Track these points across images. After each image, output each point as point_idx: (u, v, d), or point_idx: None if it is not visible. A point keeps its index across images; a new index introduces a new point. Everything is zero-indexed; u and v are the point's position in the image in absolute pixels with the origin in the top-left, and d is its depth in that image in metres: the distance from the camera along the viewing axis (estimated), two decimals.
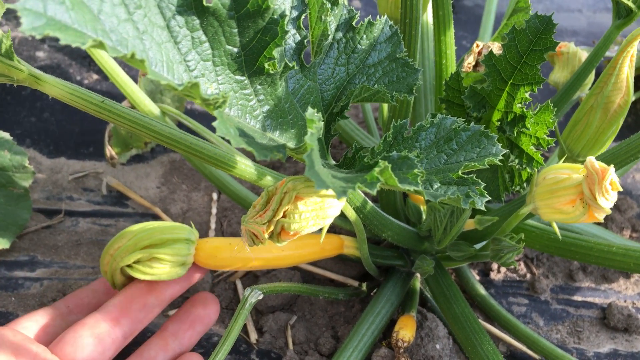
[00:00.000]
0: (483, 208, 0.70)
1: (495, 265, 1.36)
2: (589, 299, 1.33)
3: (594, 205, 0.84)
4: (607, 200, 0.83)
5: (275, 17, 0.65)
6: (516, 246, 1.00)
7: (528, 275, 1.35)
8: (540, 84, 0.87)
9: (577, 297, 1.33)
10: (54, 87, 0.73)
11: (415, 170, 0.64)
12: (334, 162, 0.82)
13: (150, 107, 1.18)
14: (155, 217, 1.40)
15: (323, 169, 0.60)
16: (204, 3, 0.62)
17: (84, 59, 1.64)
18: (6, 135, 1.30)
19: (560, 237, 0.97)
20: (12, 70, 0.69)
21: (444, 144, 0.77)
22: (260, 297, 1.03)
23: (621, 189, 0.84)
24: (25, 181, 1.30)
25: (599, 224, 1.43)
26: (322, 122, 0.64)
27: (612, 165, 0.82)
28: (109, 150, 1.42)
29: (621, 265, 1.02)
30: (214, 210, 1.41)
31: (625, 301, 1.33)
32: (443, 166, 0.75)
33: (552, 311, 1.31)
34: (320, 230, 0.84)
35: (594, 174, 0.83)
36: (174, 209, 1.41)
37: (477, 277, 1.35)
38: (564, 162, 1.10)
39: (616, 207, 1.47)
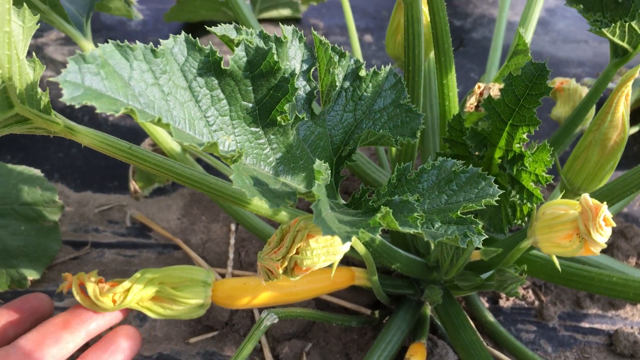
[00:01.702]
0: (480, 246, 0.76)
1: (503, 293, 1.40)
2: (596, 326, 1.36)
3: (589, 240, 0.89)
4: (601, 236, 0.88)
5: (286, 75, 0.71)
6: (519, 277, 1.04)
7: (536, 303, 1.39)
8: (536, 125, 0.93)
9: (585, 324, 1.37)
10: (86, 136, 0.80)
11: (415, 214, 0.70)
12: (343, 202, 0.89)
13: (172, 144, 1.25)
14: (177, 248, 1.47)
15: (330, 214, 0.66)
16: (222, 66, 0.69)
17: None
18: (37, 171, 1.38)
19: (560, 269, 1.02)
20: (50, 124, 0.76)
21: (444, 185, 0.82)
22: (276, 320, 1.08)
23: (615, 225, 0.89)
24: (54, 215, 1.37)
25: (604, 251, 1.47)
26: (330, 171, 0.70)
27: (605, 203, 0.87)
28: (133, 185, 1.50)
29: (621, 295, 1.06)
30: (232, 241, 1.47)
31: (632, 327, 1.36)
32: (444, 206, 0.81)
33: (560, 338, 1.34)
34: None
35: (588, 211, 0.88)
36: (194, 239, 1.48)
37: (487, 305, 1.39)
38: (564, 195, 1.15)
39: (622, 235, 1.51)
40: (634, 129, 1.59)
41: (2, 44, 0.70)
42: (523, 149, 0.96)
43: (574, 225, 0.91)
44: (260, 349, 1.30)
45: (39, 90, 0.81)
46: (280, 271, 0.88)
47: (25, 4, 1.10)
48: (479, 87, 1.06)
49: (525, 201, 1.01)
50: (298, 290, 1.20)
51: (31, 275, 1.34)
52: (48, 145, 1.63)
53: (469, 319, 1.33)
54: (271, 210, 0.88)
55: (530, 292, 1.41)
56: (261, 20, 1.91)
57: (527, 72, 0.90)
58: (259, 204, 0.85)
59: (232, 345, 1.31)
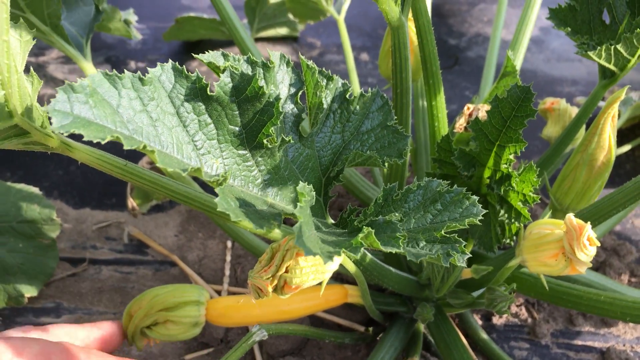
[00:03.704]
0: (465, 265, 0.77)
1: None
2: (589, 343, 1.37)
3: (574, 259, 0.90)
4: (586, 255, 0.89)
5: (271, 100, 0.73)
6: (508, 296, 1.06)
7: (529, 320, 1.40)
8: (523, 146, 0.94)
9: (577, 342, 1.37)
10: (82, 153, 0.82)
11: (398, 234, 0.71)
12: (332, 222, 0.90)
13: None
14: (173, 265, 1.48)
15: (313, 235, 0.68)
16: (208, 92, 0.71)
17: None
18: (35, 189, 1.40)
19: (547, 288, 1.03)
20: (47, 139, 0.78)
21: (430, 205, 0.84)
22: (265, 337, 1.08)
23: (599, 244, 0.90)
24: (52, 232, 1.39)
25: (597, 269, 1.48)
26: (314, 192, 0.72)
27: (589, 223, 0.89)
28: (131, 202, 1.52)
29: (609, 314, 1.07)
30: (228, 258, 1.49)
31: (624, 345, 1.36)
32: (429, 225, 0.82)
33: (552, 355, 1.35)
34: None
35: (572, 231, 0.89)
36: (191, 256, 1.49)
37: (480, 322, 1.40)
38: (554, 214, 1.16)
39: (615, 253, 1.51)
40: (627, 147, 1.61)
41: (0, 52, 0.72)
42: (510, 170, 0.97)
43: (559, 245, 0.92)
44: None
45: (37, 105, 0.83)
46: (270, 289, 0.89)
47: (25, 23, 1.13)
48: (468, 108, 1.08)
49: (513, 220, 1.02)
50: (291, 309, 1.21)
51: (28, 292, 1.35)
52: (47, 162, 1.65)
53: (462, 336, 1.33)
54: (264, 229, 0.90)
55: (524, 309, 1.42)
56: (259, 39, 1.94)
57: (513, 94, 0.92)
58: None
59: None
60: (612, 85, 1.19)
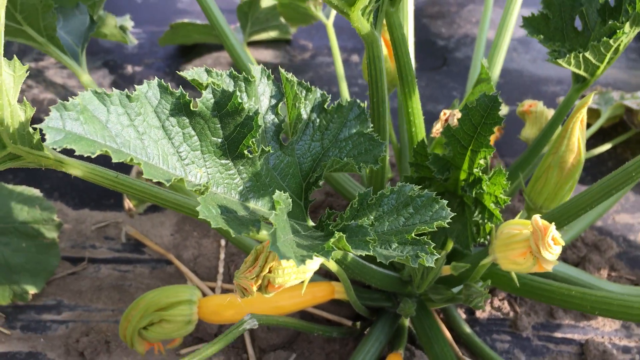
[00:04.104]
0: (433, 265, 0.83)
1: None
2: (568, 336, 1.43)
3: (540, 257, 0.95)
4: (551, 254, 0.95)
5: (251, 114, 0.79)
6: (483, 292, 1.11)
7: (511, 314, 1.46)
8: (491, 152, 1.00)
9: (557, 334, 1.43)
10: (75, 168, 0.88)
11: (368, 238, 0.77)
12: (312, 224, 0.96)
13: None
14: (169, 263, 1.55)
15: (289, 239, 0.74)
16: (192, 107, 0.77)
17: None
18: (36, 191, 1.46)
19: (517, 284, 1.08)
20: (41, 159, 0.84)
21: (402, 209, 0.89)
22: (255, 326, 1.14)
23: (564, 244, 0.96)
24: (53, 232, 1.45)
25: (577, 264, 1.53)
26: (290, 200, 0.77)
27: (553, 224, 0.94)
28: (127, 203, 1.58)
29: (580, 307, 1.13)
30: (222, 256, 1.55)
31: (602, 337, 1.42)
32: (402, 227, 0.88)
33: (533, 347, 1.41)
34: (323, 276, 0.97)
35: (538, 231, 0.95)
36: (186, 254, 1.55)
37: (464, 316, 1.46)
38: (528, 213, 1.22)
39: (596, 248, 1.57)
40: (608, 145, 1.66)
41: None
42: (481, 173, 1.03)
43: (527, 244, 0.97)
44: (247, 359, 1.37)
45: (30, 129, 0.88)
46: (255, 289, 0.95)
47: (22, 39, 1.19)
48: (445, 114, 1.13)
49: (486, 220, 1.08)
50: (281, 305, 1.28)
51: (32, 289, 1.42)
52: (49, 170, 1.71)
53: (446, 329, 1.40)
54: (242, 235, 0.95)
55: (506, 303, 1.47)
56: (252, 43, 1.99)
57: (482, 103, 0.97)
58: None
59: (220, 355, 1.38)
60: (584, 89, 1.24)
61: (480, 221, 1.08)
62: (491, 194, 1.06)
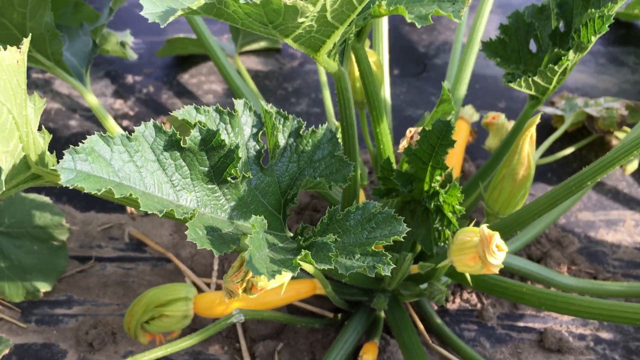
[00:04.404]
0: (388, 274, 0.97)
1: (450, 297, 1.62)
2: (530, 324, 1.58)
3: (486, 262, 1.10)
4: (495, 259, 1.09)
5: (232, 147, 0.93)
6: (443, 290, 1.26)
7: (479, 305, 1.61)
8: (446, 170, 1.14)
9: (520, 323, 1.58)
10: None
11: (330, 254, 0.92)
12: (290, 235, 1.11)
13: None
14: (169, 261, 1.70)
15: (263, 255, 0.88)
16: (181, 144, 0.91)
17: None
18: (47, 199, 1.61)
19: (470, 282, 1.23)
20: (57, 178, 0.97)
21: (366, 223, 1.04)
22: (242, 320, 1.29)
23: (507, 250, 1.10)
24: (62, 235, 1.61)
25: (539, 259, 1.68)
26: (265, 222, 0.92)
27: (497, 233, 1.09)
28: (129, 207, 1.73)
29: (529, 302, 1.28)
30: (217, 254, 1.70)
31: (560, 326, 1.57)
32: (365, 240, 1.03)
33: (497, 335, 1.56)
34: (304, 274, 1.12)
35: (484, 239, 1.09)
36: (184, 253, 1.70)
37: (435, 307, 1.61)
38: (487, 217, 1.36)
39: (559, 243, 1.72)
40: (571, 149, 1.80)
41: (22, 124, 0.92)
42: (438, 187, 1.17)
43: (476, 250, 1.12)
44: (239, 348, 1.53)
45: (48, 153, 1.03)
46: (240, 291, 1.10)
47: (34, 65, 1.32)
48: (410, 132, 1.27)
49: (445, 227, 1.22)
50: (268, 301, 1.43)
51: (43, 287, 1.57)
52: None
53: (418, 320, 1.55)
54: (222, 253, 1.09)
55: (474, 295, 1.62)
56: (243, 53, 2.13)
57: (437, 127, 1.11)
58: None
59: (216, 344, 1.54)
60: (539, 104, 1.38)
61: (440, 227, 1.23)
62: (449, 204, 1.20)
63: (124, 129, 1.95)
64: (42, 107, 1.00)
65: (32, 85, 2.03)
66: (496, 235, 1.09)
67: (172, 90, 2.05)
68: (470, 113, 1.70)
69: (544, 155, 1.81)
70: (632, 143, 1.04)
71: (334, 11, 0.82)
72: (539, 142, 1.73)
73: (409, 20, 0.91)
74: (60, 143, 1.91)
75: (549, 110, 1.82)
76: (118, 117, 1.98)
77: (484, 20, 1.58)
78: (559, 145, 1.88)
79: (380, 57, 1.50)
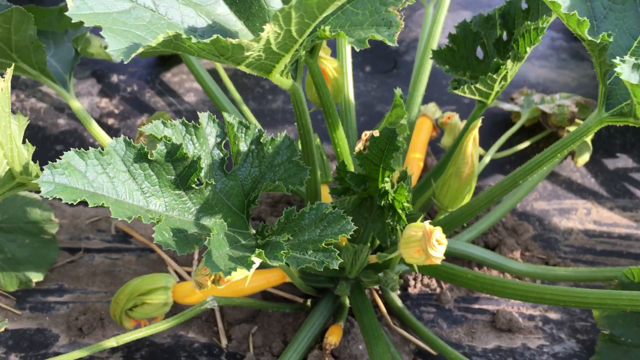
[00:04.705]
0: (337, 268, 1.10)
1: (412, 282, 1.75)
2: (484, 307, 1.72)
3: (428, 254, 1.23)
4: (436, 252, 1.22)
5: (195, 159, 1.06)
6: (395, 279, 1.40)
7: (438, 289, 1.75)
8: (392, 172, 1.26)
9: (475, 305, 1.72)
10: None
11: (282, 252, 1.04)
12: (253, 232, 1.24)
13: None
14: (153, 251, 1.83)
15: (221, 254, 1.01)
16: (149, 156, 1.03)
17: None
18: (37, 196, 1.74)
19: (417, 270, 1.36)
20: (35, 185, 1.10)
21: (319, 222, 1.17)
22: (215, 306, 1.43)
23: (446, 243, 1.23)
24: (52, 229, 1.73)
25: (495, 247, 1.81)
26: (225, 223, 1.05)
27: (437, 228, 1.22)
28: None
29: (474, 287, 1.42)
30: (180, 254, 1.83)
31: (512, 308, 1.71)
32: (317, 238, 1.15)
33: (454, 317, 1.70)
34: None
35: (426, 234, 1.22)
36: None
37: (398, 292, 1.74)
38: (439, 211, 1.49)
39: (514, 231, 1.85)
40: (527, 143, 1.93)
41: (7, 141, 1.05)
42: (387, 187, 1.30)
43: (420, 244, 1.25)
44: (217, 331, 1.67)
45: (32, 163, 1.16)
46: (209, 283, 1.24)
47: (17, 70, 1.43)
48: (365, 135, 1.39)
49: (396, 223, 1.35)
50: (240, 289, 1.57)
51: (35, 277, 1.70)
52: None
53: (382, 304, 1.69)
54: (185, 253, 1.21)
55: (434, 280, 1.76)
56: None
57: (384, 134, 1.23)
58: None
59: (195, 328, 1.68)
60: (486, 107, 1.50)
61: (392, 223, 1.36)
62: (399, 201, 1.33)
63: (109, 127, 2.07)
64: (26, 123, 1.12)
65: (22, 86, 2.14)
66: (436, 231, 1.22)
67: (155, 89, 2.17)
68: (432, 110, 1.82)
69: (504, 148, 1.93)
70: (552, 150, 1.16)
71: (278, 44, 0.94)
72: (498, 136, 1.86)
73: (348, 44, 1.02)
74: (50, 141, 2.03)
75: (507, 106, 1.94)
76: (104, 116, 2.09)
77: (440, 27, 1.69)
78: (518, 139, 2.00)
79: (343, 62, 1.61)
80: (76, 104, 1.57)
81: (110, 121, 2.08)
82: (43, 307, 1.71)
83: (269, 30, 0.89)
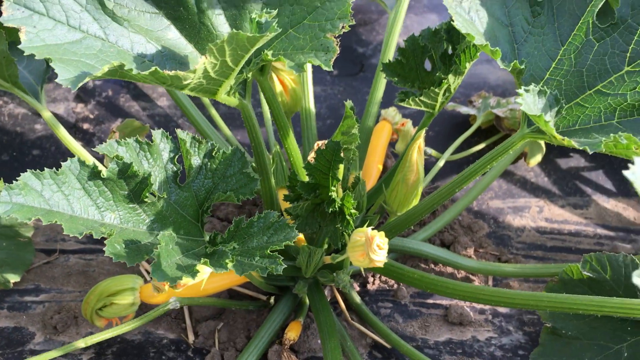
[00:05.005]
0: (280, 273, 1.19)
1: (371, 279, 1.85)
2: (438, 301, 1.81)
3: (371, 258, 1.32)
4: (377, 256, 1.31)
5: (145, 176, 1.14)
6: (344, 279, 1.49)
7: (395, 286, 1.84)
8: (339, 181, 1.35)
9: (429, 300, 1.82)
10: None
11: (227, 260, 1.14)
12: (208, 238, 1.32)
13: None
14: None
15: (170, 264, 1.10)
16: (102, 175, 1.12)
17: (71, 129, 2.15)
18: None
19: (364, 273, 1.45)
20: None
21: (266, 230, 1.26)
22: (178, 306, 1.52)
23: (387, 247, 1.32)
24: (28, 232, 1.82)
25: (450, 244, 1.91)
26: (182, 231, 1.14)
27: (378, 233, 1.31)
28: None
29: (419, 286, 1.52)
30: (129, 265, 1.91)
31: (464, 302, 1.81)
32: (264, 244, 1.25)
33: (409, 312, 1.80)
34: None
35: (368, 240, 1.31)
36: None
37: (358, 288, 1.84)
38: (390, 214, 1.58)
39: (470, 229, 1.94)
40: (482, 145, 2.01)
41: None
42: (334, 196, 1.38)
43: (364, 248, 1.34)
44: (185, 328, 1.77)
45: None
46: (167, 287, 1.33)
47: None
48: (318, 145, 1.48)
49: (345, 228, 1.44)
50: (205, 289, 1.65)
51: (13, 278, 1.79)
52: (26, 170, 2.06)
53: (341, 300, 1.78)
54: (134, 264, 1.30)
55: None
56: None
57: (330, 147, 1.32)
58: None
59: (165, 325, 1.77)
60: (433, 117, 1.59)
61: (341, 228, 1.45)
62: (347, 208, 1.42)
63: (85, 131, 2.15)
64: None
65: (1, 93, 2.22)
66: (377, 237, 1.31)
67: (130, 93, 2.25)
68: (392, 114, 1.90)
69: (463, 149, 2.02)
70: (482, 162, 1.26)
71: (216, 72, 1.03)
72: (457, 137, 1.95)
73: (287, 68, 1.11)
74: (27, 146, 2.11)
75: (464, 110, 2.03)
76: (79, 120, 2.17)
77: (396, 37, 1.77)
78: (476, 140, 2.09)
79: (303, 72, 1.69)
80: (47, 114, 1.65)
81: (86, 126, 2.16)
82: (20, 306, 1.80)
83: (205, 62, 0.97)
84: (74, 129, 2.16)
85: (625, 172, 0.98)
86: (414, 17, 2.48)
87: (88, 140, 2.13)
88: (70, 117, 2.18)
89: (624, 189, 2.03)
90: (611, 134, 1.00)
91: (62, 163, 1.10)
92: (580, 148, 1.05)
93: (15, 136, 2.12)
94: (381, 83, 1.79)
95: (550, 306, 1.28)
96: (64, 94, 2.23)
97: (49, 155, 2.08)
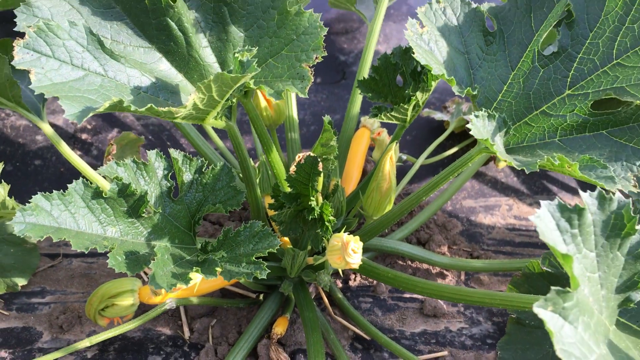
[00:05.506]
0: (265, 277, 1.34)
1: (352, 276, 2.00)
2: (414, 296, 1.96)
3: (346, 261, 1.47)
4: (352, 259, 1.46)
5: (142, 194, 1.29)
6: (325, 279, 1.64)
7: (375, 282, 1.99)
8: (318, 192, 1.50)
9: (406, 295, 1.97)
10: None
11: (216, 268, 1.28)
12: (200, 246, 1.47)
13: None
14: None
15: (165, 273, 1.24)
16: (104, 194, 1.26)
17: (70, 139, 2.29)
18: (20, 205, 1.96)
19: (342, 273, 1.60)
20: (11, 216, 1.33)
21: (252, 238, 1.40)
22: (173, 307, 1.67)
23: (361, 251, 1.47)
24: (33, 240, 1.96)
25: (425, 242, 2.06)
26: (170, 247, 1.28)
27: (352, 238, 1.45)
28: None
29: (393, 284, 1.67)
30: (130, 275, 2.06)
31: None
32: (250, 251, 1.39)
33: (388, 306, 1.95)
34: None
35: (343, 244, 1.46)
36: None
37: (340, 285, 1.99)
38: (366, 219, 1.73)
39: (444, 227, 2.09)
40: (455, 149, 2.16)
41: None
42: (313, 205, 1.53)
43: (340, 252, 1.49)
44: (181, 324, 1.91)
45: (8, 198, 1.38)
46: (163, 290, 1.48)
47: None
48: (299, 157, 1.62)
49: (324, 232, 1.59)
50: (199, 289, 1.80)
51: (20, 282, 1.93)
52: (27, 182, 2.20)
53: (325, 296, 1.93)
54: (134, 274, 1.45)
55: None
56: None
57: (308, 161, 1.46)
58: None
59: (163, 322, 1.92)
60: (405, 128, 1.73)
61: (320, 233, 1.59)
62: (326, 215, 1.56)
63: (84, 141, 2.29)
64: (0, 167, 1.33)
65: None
66: (351, 242, 1.45)
67: None
68: (371, 122, 2.04)
69: (437, 153, 2.17)
70: (445, 173, 1.40)
71: (204, 104, 1.16)
72: (430, 142, 2.09)
73: (267, 96, 1.25)
74: (30, 156, 2.24)
75: (438, 116, 2.17)
76: (78, 131, 2.31)
77: (371, 52, 1.91)
78: (450, 143, 2.24)
79: None
80: (48, 129, 1.78)
81: (84, 136, 2.29)
82: (28, 307, 1.94)
83: (194, 97, 1.11)
84: (72, 139, 2.29)
85: (531, 217, 1.05)
86: (393, 25, 2.61)
87: (87, 150, 2.26)
88: (69, 128, 2.31)
89: (585, 188, 2.17)
90: (545, 156, 1.15)
91: (68, 185, 1.24)
92: (519, 168, 1.20)
93: (17, 147, 2.26)
94: (359, 92, 1.92)
95: (502, 304, 1.43)
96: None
97: (50, 164, 2.22)
